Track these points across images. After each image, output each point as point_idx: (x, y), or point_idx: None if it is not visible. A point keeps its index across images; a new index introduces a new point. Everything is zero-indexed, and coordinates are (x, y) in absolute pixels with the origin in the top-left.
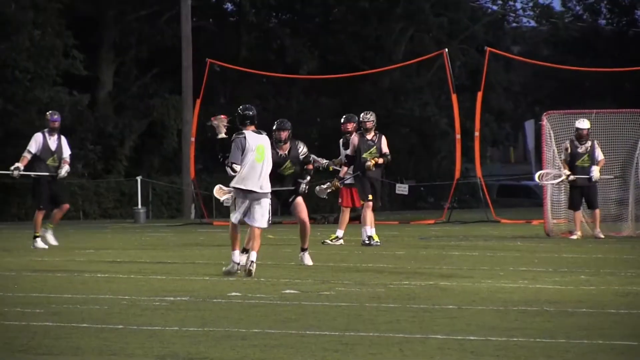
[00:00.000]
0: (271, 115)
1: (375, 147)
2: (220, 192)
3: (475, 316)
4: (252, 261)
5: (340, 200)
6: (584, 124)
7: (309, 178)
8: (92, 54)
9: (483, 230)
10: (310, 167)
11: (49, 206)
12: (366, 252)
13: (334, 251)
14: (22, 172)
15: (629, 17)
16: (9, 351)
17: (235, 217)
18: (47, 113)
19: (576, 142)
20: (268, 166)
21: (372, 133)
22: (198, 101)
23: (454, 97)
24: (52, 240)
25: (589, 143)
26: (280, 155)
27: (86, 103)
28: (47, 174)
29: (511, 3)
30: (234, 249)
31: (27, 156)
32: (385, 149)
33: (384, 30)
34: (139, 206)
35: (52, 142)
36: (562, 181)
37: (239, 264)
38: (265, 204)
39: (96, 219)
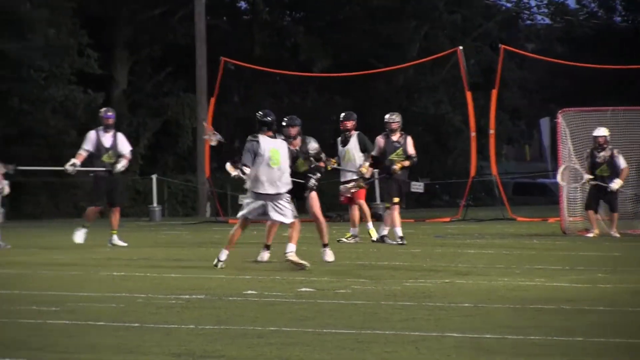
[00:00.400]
0: (285, 114)
1: (401, 148)
2: (231, 168)
3: (491, 314)
4: (291, 251)
5: (341, 199)
6: (600, 131)
7: (319, 174)
8: (106, 53)
9: (499, 228)
10: (322, 164)
11: (104, 203)
12: (382, 250)
13: (349, 249)
14: (78, 168)
15: None
16: (25, 349)
17: (241, 213)
18: (101, 110)
19: (595, 152)
20: (284, 170)
21: (398, 134)
22: (212, 99)
23: (468, 94)
24: (120, 243)
25: (607, 152)
26: (292, 151)
27: (100, 102)
28: (102, 169)
29: (525, 0)
30: (226, 247)
31: (82, 153)
32: (411, 150)
33: (397, 28)
34: (154, 204)
35: (107, 139)
36: (583, 184)
37: (222, 262)
38: (284, 202)
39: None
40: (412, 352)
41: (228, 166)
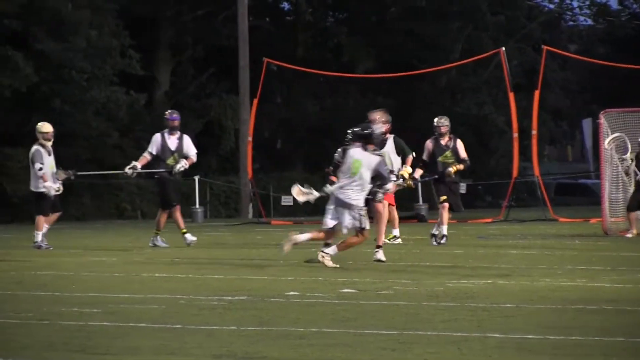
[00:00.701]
0: (328, 115)
1: (450, 150)
2: (299, 194)
3: (533, 315)
4: (328, 253)
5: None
6: None
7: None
8: (148, 54)
9: (541, 229)
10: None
11: (177, 201)
12: (424, 251)
13: (392, 250)
14: (138, 171)
15: None
16: (66, 351)
17: (325, 221)
18: (167, 112)
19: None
20: (360, 181)
21: (447, 137)
22: (255, 100)
23: (511, 95)
24: (163, 244)
25: None
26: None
27: (143, 103)
28: (164, 170)
29: (568, 1)
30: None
31: (146, 156)
32: (463, 153)
33: (440, 29)
34: (197, 205)
35: (172, 142)
36: (626, 164)
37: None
38: (353, 213)
39: (154, 218)
40: (454, 352)
41: (296, 191)
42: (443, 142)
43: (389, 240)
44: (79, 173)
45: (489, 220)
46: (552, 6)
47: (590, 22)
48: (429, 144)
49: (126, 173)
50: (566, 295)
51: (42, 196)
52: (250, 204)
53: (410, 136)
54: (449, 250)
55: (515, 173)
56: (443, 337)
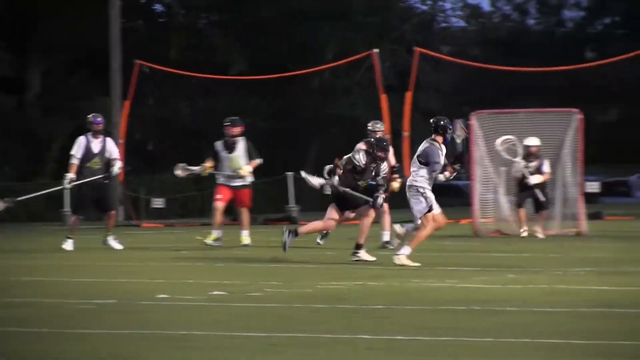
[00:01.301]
0: (200, 116)
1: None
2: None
3: (403, 316)
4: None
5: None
6: (531, 141)
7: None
8: (19, 56)
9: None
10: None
11: (83, 213)
12: (296, 252)
13: (262, 252)
14: (76, 183)
15: (557, 17)
16: None
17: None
18: (90, 116)
19: (526, 160)
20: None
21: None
22: (127, 103)
23: (383, 97)
24: (116, 245)
25: (538, 161)
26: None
27: (13, 105)
28: (102, 176)
29: (441, 3)
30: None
31: (75, 162)
32: (392, 160)
33: (313, 31)
34: (66, 208)
35: (95, 145)
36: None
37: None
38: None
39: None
40: (325, 354)
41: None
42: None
43: (208, 240)
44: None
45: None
46: (425, 8)
47: (463, 23)
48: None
49: (67, 188)
50: (436, 296)
51: None
52: (121, 207)
53: (284, 137)
54: (320, 252)
55: (388, 174)
56: (313, 339)
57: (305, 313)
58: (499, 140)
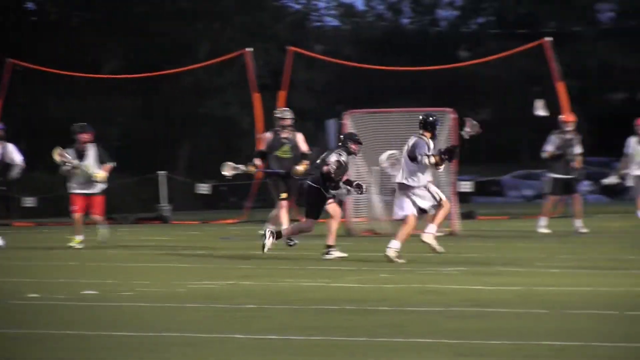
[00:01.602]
0: (72, 115)
1: (288, 145)
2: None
3: (275, 315)
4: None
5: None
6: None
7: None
8: None
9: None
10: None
11: None
12: (168, 252)
13: (137, 252)
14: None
15: (431, 17)
16: None
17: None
18: None
19: None
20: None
21: (288, 131)
22: None
23: (256, 96)
24: None
25: None
26: None
27: None
28: None
29: (314, 2)
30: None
31: None
32: (304, 147)
33: (186, 29)
34: None
35: None
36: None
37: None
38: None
39: None
40: (194, 354)
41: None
42: (284, 135)
43: (73, 244)
44: None
45: (233, 221)
46: (298, 7)
47: (336, 22)
48: (267, 135)
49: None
50: (308, 296)
51: None
52: None
53: (157, 136)
54: (191, 252)
55: (259, 174)
56: (184, 339)
57: (175, 312)
58: (383, 156)
